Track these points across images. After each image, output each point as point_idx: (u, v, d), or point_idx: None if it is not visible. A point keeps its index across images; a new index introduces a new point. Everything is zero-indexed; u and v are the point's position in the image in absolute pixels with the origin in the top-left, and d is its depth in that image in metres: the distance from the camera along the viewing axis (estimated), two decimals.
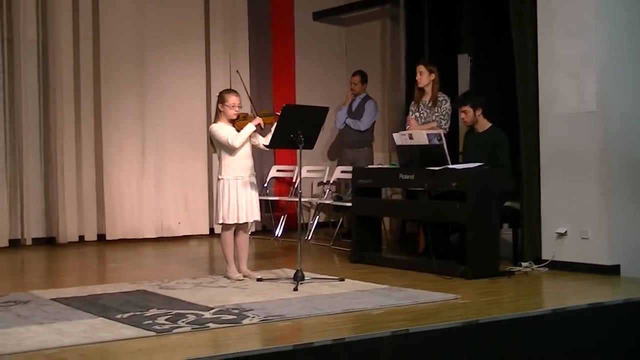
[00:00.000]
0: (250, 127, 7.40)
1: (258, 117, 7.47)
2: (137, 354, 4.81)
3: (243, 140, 7.39)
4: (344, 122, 11.18)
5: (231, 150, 7.40)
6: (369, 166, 9.77)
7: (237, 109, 7.45)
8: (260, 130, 7.56)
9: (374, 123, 11.20)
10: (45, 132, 10.51)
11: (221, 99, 7.50)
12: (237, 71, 8.21)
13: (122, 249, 10.14)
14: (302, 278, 7.07)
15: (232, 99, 7.44)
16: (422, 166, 7.98)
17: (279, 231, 11.22)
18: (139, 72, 10.98)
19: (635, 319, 6.38)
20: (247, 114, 7.65)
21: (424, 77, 8.99)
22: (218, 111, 7.55)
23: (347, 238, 9.95)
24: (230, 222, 7.44)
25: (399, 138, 8.34)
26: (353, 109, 11.23)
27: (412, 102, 9.24)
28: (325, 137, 12.08)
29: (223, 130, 7.43)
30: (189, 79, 11.37)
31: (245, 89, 7.54)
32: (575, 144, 7.83)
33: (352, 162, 10.66)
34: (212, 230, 11.18)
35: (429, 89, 9.00)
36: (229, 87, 10.30)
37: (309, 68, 12.60)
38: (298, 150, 7.28)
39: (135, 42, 10.97)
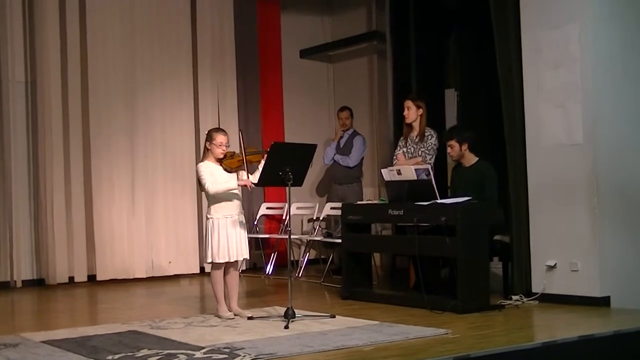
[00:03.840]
0: (232, 184, 7.42)
1: (248, 178, 7.49)
2: None
3: (220, 191, 7.40)
4: (333, 158, 11.20)
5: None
6: (358, 202, 9.77)
7: (224, 147, 7.47)
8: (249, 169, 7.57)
9: (362, 158, 11.21)
10: (35, 173, 10.52)
11: (209, 137, 7.52)
12: (240, 130, 8.15)
13: (113, 290, 10.10)
14: (293, 315, 7.05)
15: (219, 138, 7.46)
16: (410, 201, 8.00)
17: (269, 269, 11.19)
18: (128, 111, 11.00)
19: (625, 350, 6.39)
20: (234, 152, 7.65)
21: (412, 113, 9.02)
22: (206, 149, 7.57)
23: (338, 274, 9.94)
24: (220, 261, 7.43)
25: (388, 173, 8.35)
26: (341, 144, 11.23)
27: (401, 138, 9.27)
28: (314, 174, 12.11)
29: (207, 172, 7.44)
30: (178, 117, 11.40)
31: (242, 148, 7.50)
32: (563, 176, 7.86)
33: (342, 198, 10.66)
34: (202, 269, 11.15)
35: (416, 124, 9.04)
36: (217, 125, 10.40)
37: (297, 105, 12.65)
38: (287, 188, 7.30)
39: (124, 81, 11.00)
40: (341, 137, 11.29)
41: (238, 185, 7.44)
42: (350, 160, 11.07)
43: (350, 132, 11.27)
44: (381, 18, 11.56)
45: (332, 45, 12.86)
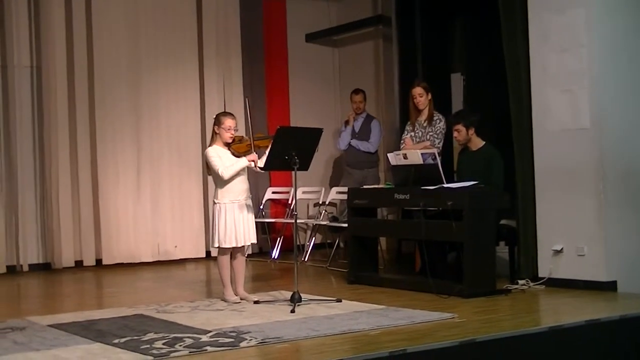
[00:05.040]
0: (242, 162, 7.41)
1: (254, 153, 7.46)
2: None
3: (233, 173, 7.38)
4: (349, 142, 10.91)
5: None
6: (364, 186, 9.72)
7: (232, 132, 7.45)
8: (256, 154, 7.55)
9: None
10: (41, 158, 10.53)
11: (217, 121, 7.50)
12: (247, 98, 8.08)
13: (119, 274, 10.11)
14: (299, 300, 7.07)
15: (227, 122, 7.44)
16: (417, 185, 7.99)
17: (275, 253, 11.19)
18: (134, 95, 10.99)
19: (631, 334, 6.38)
20: (242, 137, 7.65)
21: (424, 99, 8.98)
22: (214, 133, 7.54)
23: (344, 259, 9.93)
24: (227, 245, 7.42)
25: (394, 158, 8.34)
26: (356, 129, 10.89)
27: (408, 122, 9.24)
28: (322, 158, 12.06)
29: (217, 157, 7.43)
30: (183, 102, 11.38)
31: (249, 116, 7.47)
32: (570, 160, 7.84)
33: (360, 183, 10.34)
34: (208, 253, 11.16)
35: (425, 109, 9.01)
36: (223, 109, 10.37)
37: (303, 89, 12.62)
38: (293, 172, 7.29)
39: (129, 65, 10.99)
40: (355, 121, 10.96)
41: (248, 161, 7.41)
42: (371, 146, 10.76)
43: (364, 115, 10.95)
44: (387, 2, 11.50)
45: (338, 30, 12.79)
